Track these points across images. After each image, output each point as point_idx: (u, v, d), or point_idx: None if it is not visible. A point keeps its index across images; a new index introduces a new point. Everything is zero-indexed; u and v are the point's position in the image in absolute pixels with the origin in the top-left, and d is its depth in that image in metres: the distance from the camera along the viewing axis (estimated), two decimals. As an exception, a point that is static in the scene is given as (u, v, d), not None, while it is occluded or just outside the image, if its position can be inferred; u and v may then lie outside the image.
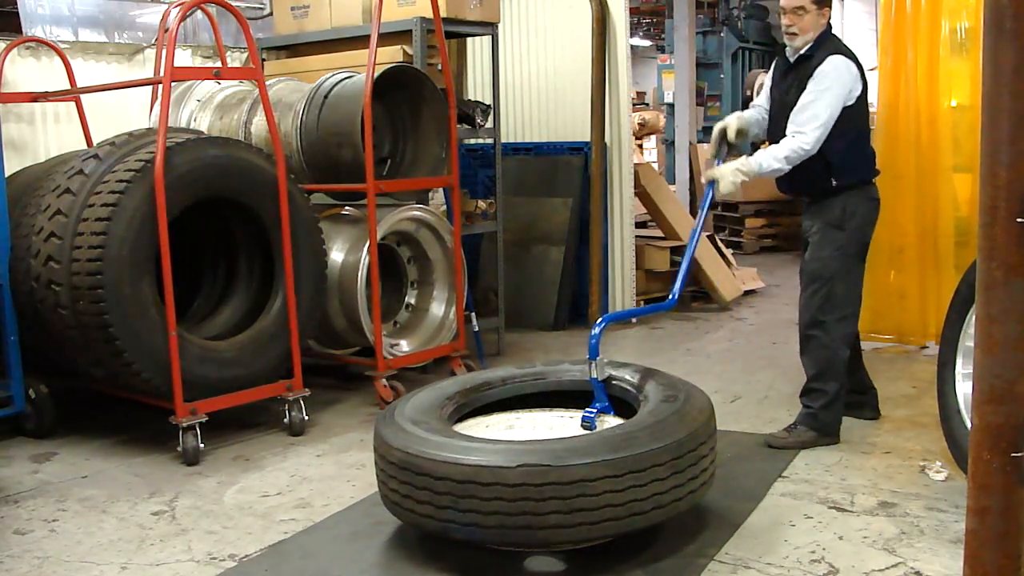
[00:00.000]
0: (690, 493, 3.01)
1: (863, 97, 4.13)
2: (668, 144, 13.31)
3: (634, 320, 7.07)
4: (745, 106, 4.83)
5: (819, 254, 4.16)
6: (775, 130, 4.25)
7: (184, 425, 4.20)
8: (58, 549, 3.38)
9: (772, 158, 4.03)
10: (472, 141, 6.72)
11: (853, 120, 4.07)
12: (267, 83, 5.04)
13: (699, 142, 11.82)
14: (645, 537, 3.17)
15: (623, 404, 3.51)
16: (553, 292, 6.96)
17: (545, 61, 7.34)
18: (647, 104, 17.81)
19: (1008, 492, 1.60)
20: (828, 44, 4.11)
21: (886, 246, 5.77)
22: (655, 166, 11.92)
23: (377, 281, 4.96)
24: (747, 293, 7.99)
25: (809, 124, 3.97)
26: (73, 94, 5.63)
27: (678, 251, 7.60)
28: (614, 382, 3.57)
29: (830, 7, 4.18)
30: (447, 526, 2.90)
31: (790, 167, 4.03)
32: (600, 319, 3.74)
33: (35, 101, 5.57)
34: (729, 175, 4.07)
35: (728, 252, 8.35)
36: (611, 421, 3.48)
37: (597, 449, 2.83)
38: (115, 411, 4.91)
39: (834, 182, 4.09)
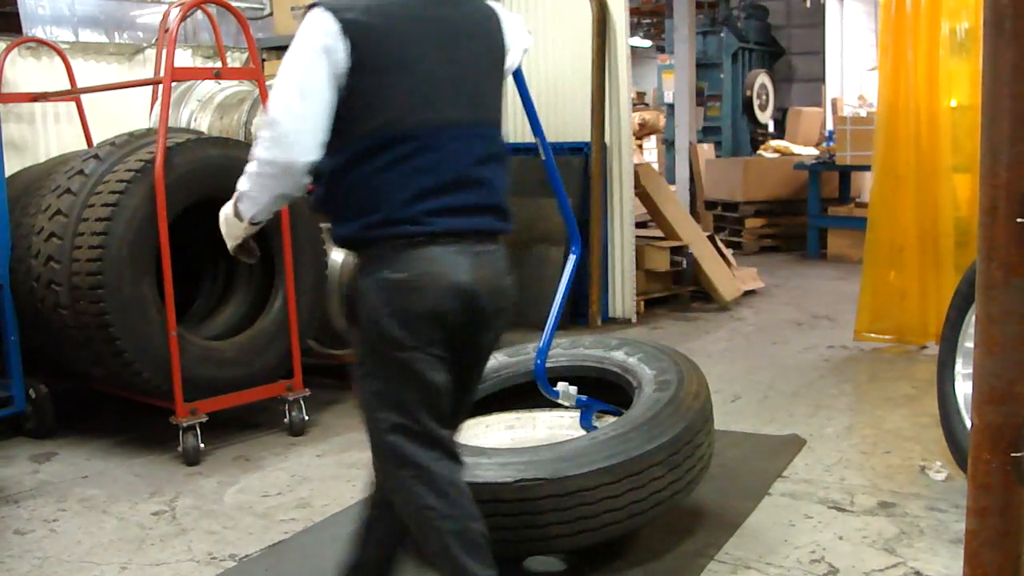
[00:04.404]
0: (689, 483, 3.02)
1: None
2: (668, 144, 13.30)
3: (633, 320, 7.06)
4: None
5: None
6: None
7: (184, 425, 4.20)
8: (58, 549, 3.38)
9: None
10: (472, 141, 6.70)
11: None
12: (267, 83, 5.03)
13: (699, 142, 11.83)
14: (644, 537, 3.17)
15: (619, 389, 3.47)
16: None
17: (545, 61, 7.32)
18: (647, 104, 17.81)
19: (1008, 492, 1.60)
20: None
21: (886, 246, 5.77)
22: (655, 166, 11.92)
23: (377, 281, 4.95)
24: (747, 293, 7.98)
25: None
26: (73, 94, 5.63)
27: (678, 251, 7.59)
28: (605, 364, 3.54)
29: None
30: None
31: None
32: (537, 358, 3.52)
33: (35, 101, 5.58)
34: None
35: (728, 252, 8.34)
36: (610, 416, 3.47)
37: (592, 458, 2.82)
38: (115, 411, 4.91)
39: None
